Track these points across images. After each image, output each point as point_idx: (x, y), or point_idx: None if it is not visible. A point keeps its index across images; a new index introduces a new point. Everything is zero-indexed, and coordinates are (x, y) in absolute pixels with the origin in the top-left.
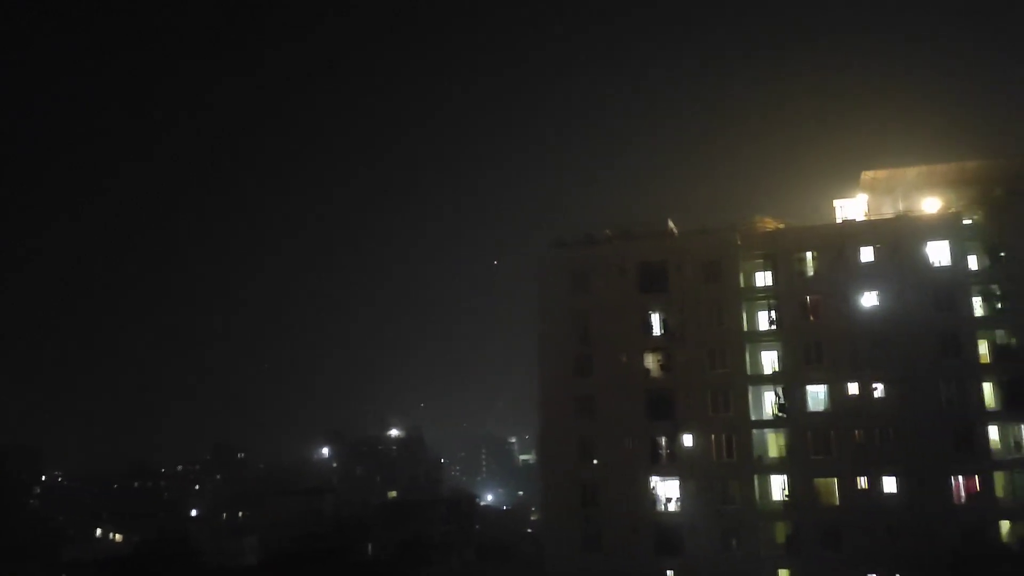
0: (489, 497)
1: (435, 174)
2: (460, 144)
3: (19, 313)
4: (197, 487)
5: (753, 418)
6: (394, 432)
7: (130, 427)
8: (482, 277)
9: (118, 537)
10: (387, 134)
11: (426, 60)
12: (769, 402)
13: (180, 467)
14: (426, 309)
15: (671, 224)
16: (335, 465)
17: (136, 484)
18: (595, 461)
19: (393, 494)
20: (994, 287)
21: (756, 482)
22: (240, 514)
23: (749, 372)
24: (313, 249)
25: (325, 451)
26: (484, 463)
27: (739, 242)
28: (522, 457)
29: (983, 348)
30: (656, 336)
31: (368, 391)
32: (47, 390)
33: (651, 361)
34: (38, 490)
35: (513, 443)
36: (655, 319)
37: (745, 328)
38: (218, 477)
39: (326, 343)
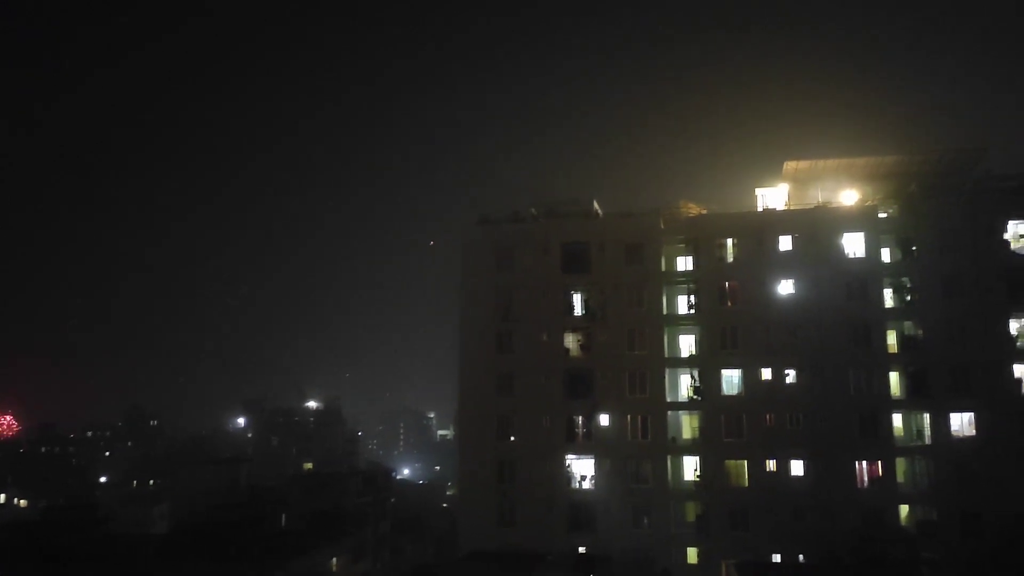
0: (406, 471)
1: (367, 146)
2: (389, 117)
3: None
4: (107, 454)
5: (669, 400)
6: (312, 404)
7: (39, 390)
8: (409, 252)
9: (23, 503)
10: (317, 99)
11: (364, 31)
12: (685, 385)
13: (90, 433)
14: (349, 282)
15: (596, 205)
16: (251, 435)
17: (43, 449)
18: (512, 438)
19: (309, 466)
20: (905, 280)
21: (669, 463)
22: (151, 482)
23: (667, 355)
24: (238, 218)
25: (241, 421)
26: (402, 437)
27: (662, 226)
28: (440, 432)
29: (891, 339)
30: (577, 316)
31: (287, 363)
32: None
33: (571, 341)
34: None
35: (432, 418)
36: (576, 299)
37: (664, 311)
38: (129, 444)
39: (246, 313)
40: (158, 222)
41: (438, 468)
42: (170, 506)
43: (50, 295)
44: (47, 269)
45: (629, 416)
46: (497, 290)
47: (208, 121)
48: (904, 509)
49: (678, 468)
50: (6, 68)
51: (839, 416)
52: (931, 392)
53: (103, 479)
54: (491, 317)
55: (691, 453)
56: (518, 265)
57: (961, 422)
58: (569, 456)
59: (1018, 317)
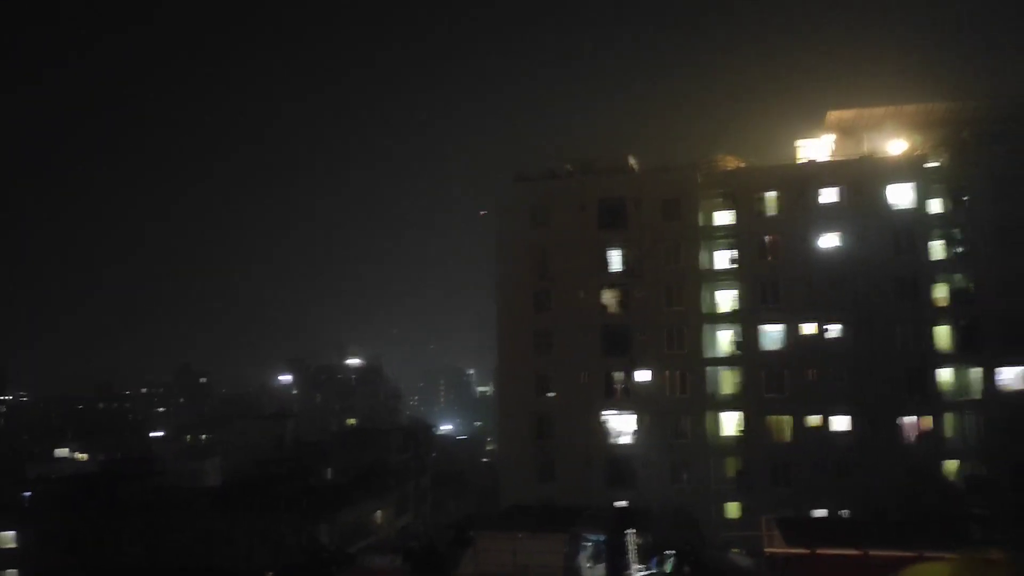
0: (447, 427)
1: (408, 105)
2: (428, 78)
3: None
4: (161, 409)
5: (708, 356)
6: (353, 361)
7: (95, 349)
8: (450, 211)
9: (82, 456)
10: (354, 58)
11: None
12: (724, 340)
13: (144, 390)
14: (392, 241)
15: (632, 160)
16: (295, 392)
17: (101, 405)
18: (551, 394)
19: (352, 422)
20: (955, 231)
21: (708, 418)
22: (203, 437)
23: (705, 310)
24: (283, 178)
25: (286, 378)
26: (442, 394)
27: (699, 180)
28: (480, 389)
29: (941, 292)
30: (614, 272)
31: (330, 322)
32: (12, 310)
33: (608, 297)
34: (3, 409)
35: (471, 374)
36: (614, 255)
37: (703, 266)
38: (181, 400)
39: (291, 272)
40: (220, 184)
41: (478, 424)
42: (221, 460)
43: (103, 261)
44: (101, 235)
45: (668, 372)
46: (534, 247)
47: (247, 79)
48: (952, 464)
49: (717, 424)
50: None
51: (885, 371)
52: (982, 346)
53: (157, 434)
54: (528, 274)
55: (731, 408)
56: (555, 222)
57: (1012, 376)
58: (607, 412)
59: None
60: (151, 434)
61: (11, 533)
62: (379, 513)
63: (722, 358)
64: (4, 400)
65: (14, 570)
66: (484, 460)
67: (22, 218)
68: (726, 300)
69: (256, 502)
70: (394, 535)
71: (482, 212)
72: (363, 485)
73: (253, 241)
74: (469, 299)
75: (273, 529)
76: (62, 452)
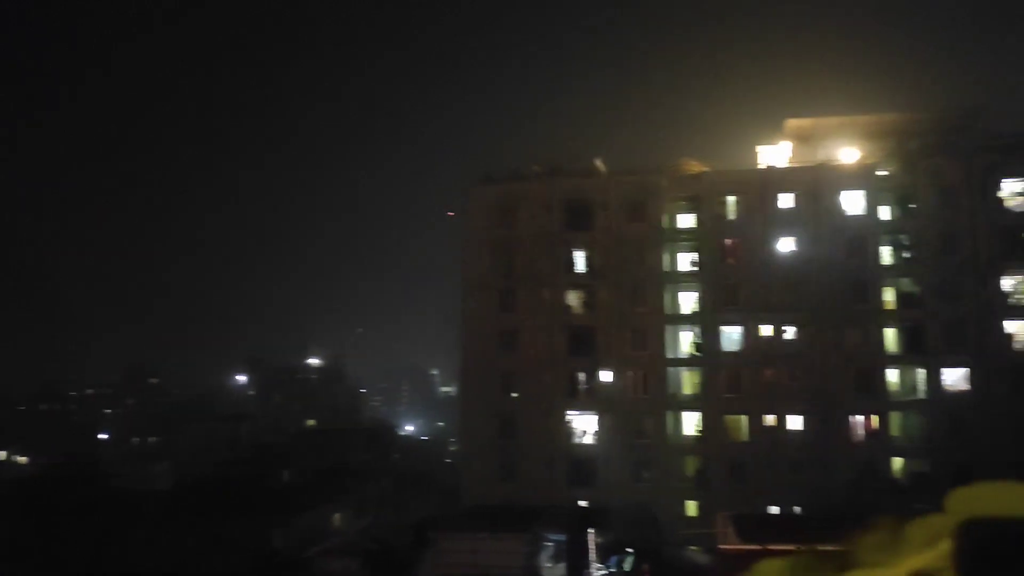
0: (409, 427)
1: (372, 103)
2: (394, 77)
3: None
4: (108, 411)
5: (669, 356)
6: (314, 361)
7: (37, 348)
8: (412, 209)
9: (23, 460)
10: (322, 60)
11: None
12: (685, 341)
13: (90, 391)
14: (351, 239)
15: (598, 163)
16: (253, 393)
17: (43, 407)
18: (514, 394)
19: (312, 422)
20: (903, 237)
21: (669, 418)
22: (152, 439)
23: (668, 312)
24: (238, 171)
25: (243, 378)
26: (406, 394)
27: (664, 184)
28: (443, 389)
29: (889, 295)
30: (579, 273)
31: (289, 320)
32: None
33: (573, 298)
34: None
35: (435, 374)
36: (579, 256)
37: (666, 268)
38: (130, 402)
39: (250, 270)
40: (172, 176)
41: (441, 424)
42: (172, 463)
43: (48, 256)
44: (46, 229)
45: (631, 372)
46: (500, 247)
47: (218, 79)
48: (898, 462)
49: (678, 423)
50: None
51: (836, 371)
52: (926, 348)
53: (104, 436)
54: (494, 274)
55: (691, 408)
56: (520, 222)
57: (955, 377)
58: (571, 412)
59: (1011, 274)
60: (97, 437)
61: None
62: (338, 516)
63: (683, 359)
64: None
65: None
66: (447, 461)
67: None
68: (688, 302)
69: (208, 506)
70: (353, 538)
71: (450, 213)
72: (322, 487)
73: (210, 237)
74: (434, 299)
75: (226, 534)
76: (14, 455)
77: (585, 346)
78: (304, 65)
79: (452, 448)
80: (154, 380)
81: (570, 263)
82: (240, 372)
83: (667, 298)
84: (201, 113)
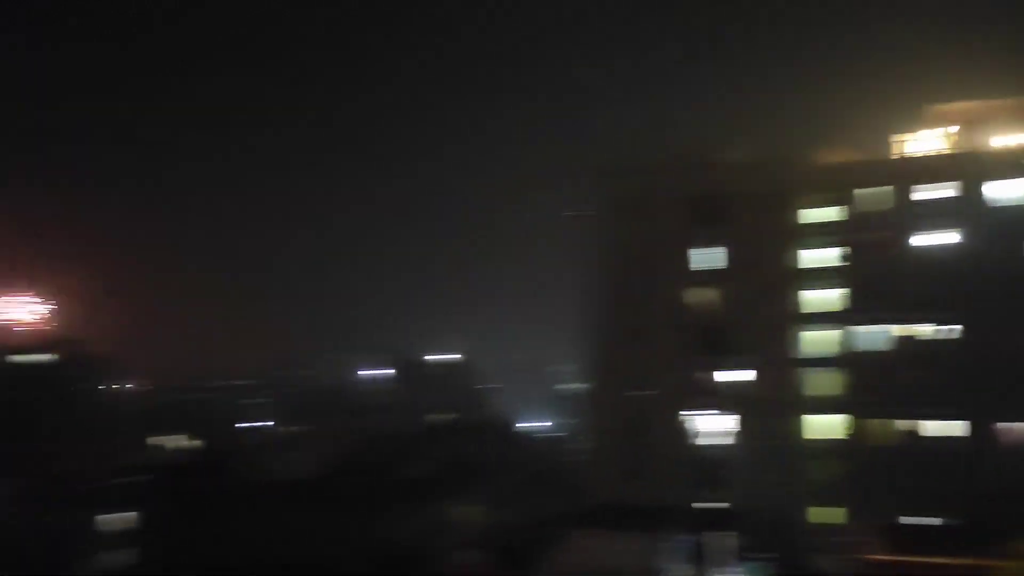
0: (535, 423)
1: (493, 101)
2: (512, 68)
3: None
4: (253, 400)
5: (806, 356)
6: (442, 356)
7: (193, 338)
8: (536, 204)
9: (180, 443)
10: (445, 51)
11: None
12: (823, 340)
13: (238, 380)
14: (481, 236)
15: (726, 154)
16: (384, 386)
17: (197, 394)
18: (641, 392)
19: (440, 416)
20: None
21: (806, 420)
22: (294, 428)
23: (803, 310)
24: (374, 172)
25: (377, 372)
26: (531, 390)
27: (798, 175)
28: (568, 385)
29: None
30: (707, 269)
31: (420, 316)
32: (112, 297)
33: (701, 294)
34: (111, 397)
35: (560, 371)
36: (706, 252)
37: (801, 264)
38: (272, 392)
39: (382, 267)
40: (314, 178)
41: (567, 421)
42: (308, 453)
43: (197, 255)
44: (202, 231)
45: (763, 372)
46: (625, 243)
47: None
48: None
49: (815, 427)
50: None
51: (995, 374)
52: None
53: (250, 424)
54: (619, 270)
55: (830, 411)
56: (644, 217)
57: None
58: (699, 411)
59: None
60: (244, 424)
61: (111, 517)
62: (464, 509)
63: (820, 359)
64: (109, 387)
65: (111, 552)
66: (573, 458)
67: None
68: (825, 299)
69: (345, 495)
70: (481, 532)
71: (570, 212)
72: (451, 480)
73: (346, 236)
74: (559, 294)
75: (360, 522)
76: (162, 440)
77: (714, 344)
78: (430, 64)
79: (577, 445)
80: (295, 371)
81: (697, 258)
82: (373, 366)
83: (803, 295)
84: (348, 121)
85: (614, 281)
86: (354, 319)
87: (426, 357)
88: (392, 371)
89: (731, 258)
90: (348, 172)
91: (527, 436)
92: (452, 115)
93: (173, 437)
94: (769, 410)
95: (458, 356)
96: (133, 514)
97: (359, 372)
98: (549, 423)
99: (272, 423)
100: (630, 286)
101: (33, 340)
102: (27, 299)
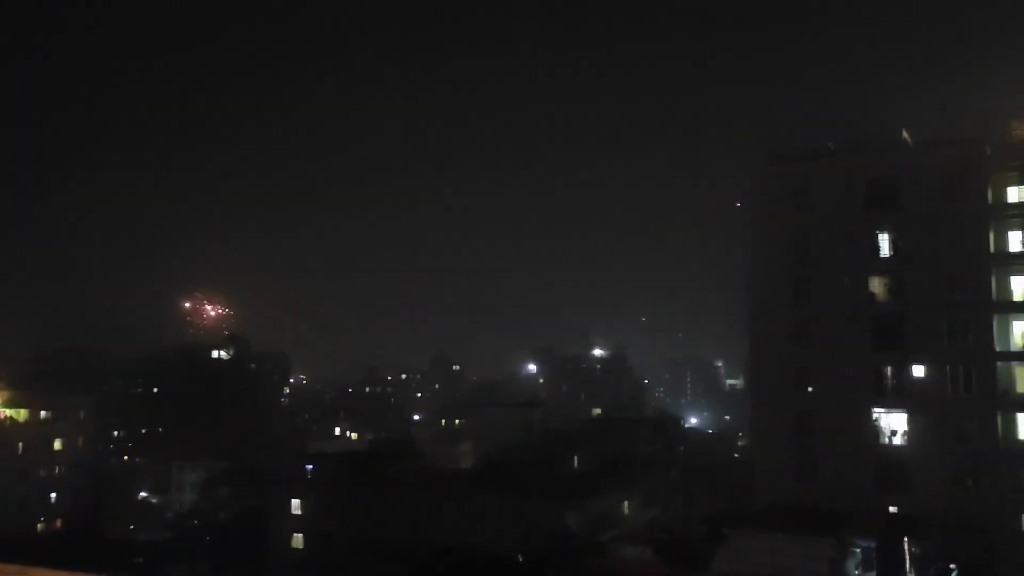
0: (694, 420)
1: (645, 96)
2: (668, 57)
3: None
4: (419, 394)
5: (999, 349)
6: (598, 352)
7: (357, 336)
8: (693, 196)
9: (353, 435)
10: (593, 42)
11: None
12: (1019, 332)
13: (403, 376)
14: (639, 231)
15: (905, 135)
16: (542, 381)
17: (367, 389)
18: (810, 389)
19: (597, 411)
20: None
21: (999, 419)
22: (456, 421)
23: (996, 298)
24: (531, 173)
25: (533, 367)
26: (689, 386)
27: (989, 152)
28: (729, 381)
29: None
30: (885, 258)
31: (578, 312)
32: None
33: (878, 285)
34: (287, 391)
35: (720, 367)
36: (884, 240)
37: (992, 249)
38: (436, 386)
39: (540, 264)
40: (468, 181)
41: (727, 418)
42: (473, 444)
43: (371, 259)
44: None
45: (948, 367)
46: (792, 233)
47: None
48: None
49: (1011, 426)
50: None
51: None
52: None
53: (416, 417)
54: (785, 262)
55: None
56: (816, 205)
57: None
58: (877, 409)
59: None
60: (410, 417)
61: (297, 501)
62: (626, 503)
63: (1017, 352)
64: (288, 383)
65: (300, 534)
66: (735, 456)
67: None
68: (1021, 287)
69: (507, 486)
70: (642, 527)
71: (737, 204)
72: (610, 475)
73: (503, 236)
74: (718, 289)
75: (524, 512)
76: (336, 431)
77: (893, 337)
78: (576, 61)
79: (740, 443)
80: (456, 367)
81: (874, 247)
82: (531, 361)
83: (995, 283)
84: (477, 121)
85: (781, 273)
86: (515, 316)
87: (584, 352)
88: (550, 366)
89: (912, 245)
90: (506, 176)
91: (688, 432)
92: (611, 109)
93: (350, 428)
94: (956, 408)
95: (616, 351)
96: (319, 498)
97: (518, 367)
98: (715, 419)
99: (439, 415)
100: (798, 277)
101: (220, 340)
102: (209, 305)
